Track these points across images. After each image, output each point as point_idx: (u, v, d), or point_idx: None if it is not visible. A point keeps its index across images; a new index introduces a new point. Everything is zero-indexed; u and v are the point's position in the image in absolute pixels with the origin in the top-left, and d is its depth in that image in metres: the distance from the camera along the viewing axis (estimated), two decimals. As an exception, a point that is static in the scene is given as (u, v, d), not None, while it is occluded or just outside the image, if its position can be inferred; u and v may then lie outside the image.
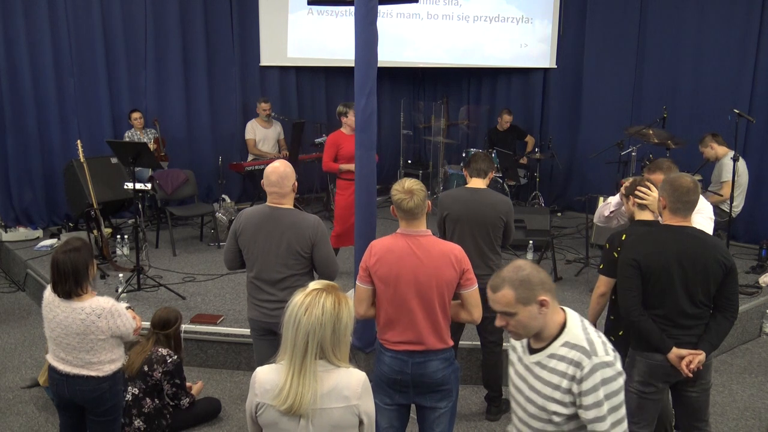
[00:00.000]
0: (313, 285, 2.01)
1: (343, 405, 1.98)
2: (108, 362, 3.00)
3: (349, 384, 1.99)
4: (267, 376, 2.02)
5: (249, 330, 3.61)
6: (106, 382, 3.00)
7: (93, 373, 2.97)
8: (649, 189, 3.22)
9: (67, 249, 2.95)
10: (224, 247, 3.46)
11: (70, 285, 2.91)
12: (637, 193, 3.24)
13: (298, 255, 3.25)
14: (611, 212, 3.66)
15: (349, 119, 5.56)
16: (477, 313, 2.88)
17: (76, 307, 2.92)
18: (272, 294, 3.31)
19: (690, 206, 2.83)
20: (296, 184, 3.35)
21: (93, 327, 2.92)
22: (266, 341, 3.42)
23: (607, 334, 3.31)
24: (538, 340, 2.10)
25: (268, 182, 3.28)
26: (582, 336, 2.03)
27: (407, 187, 2.83)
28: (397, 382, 2.83)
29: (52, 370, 3.05)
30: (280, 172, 3.27)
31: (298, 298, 1.97)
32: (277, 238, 3.24)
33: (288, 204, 3.31)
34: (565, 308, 2.11)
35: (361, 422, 2.04)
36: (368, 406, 2.04)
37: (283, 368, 1.97)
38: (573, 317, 2.09)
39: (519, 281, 2.00)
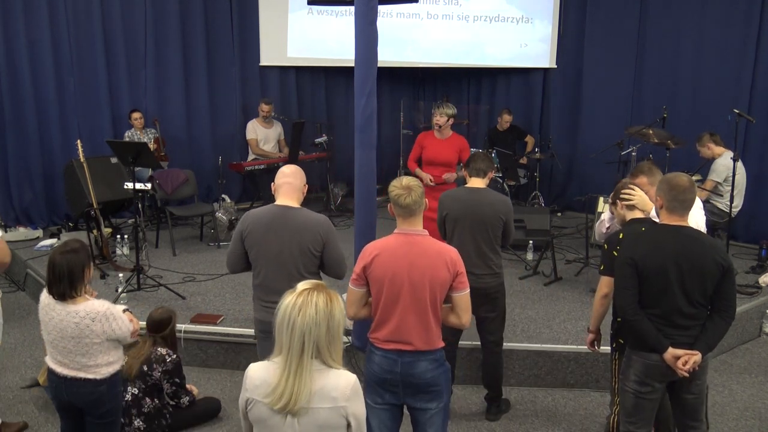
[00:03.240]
0: (303, 285, 2.02)
1: (330, 406, 1.98)
2: (105, 365, 2.97)
3: (338, 385, 1.99)
4: (258, 373, 2.05)
5: (249, 330, 3.60)
6: (103, 385, 2.97)
7: (90, 376, 2.94)
8: (633, 190, 3.35)
9: (65, 250, 2.91)
10: (228, 249, 3.41)
11: (64, 287, 2.88)
12: (622, 195, 3.35)
13: (310, 254, 3.24)
14: (608, 227, 3.78)
15: (434, 119, 5.43)
16: (466, 318, 2.88)
17: (71, 310, 2.89)
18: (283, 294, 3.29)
19: (687, 205, 2.84)
20: (307, 186, 3.41)
21: (87, 331, 2.88)
22: (272, 341, 3.41)
23: (614, 336, 3.32)
24: None
25: (281, 174, 3.34)
26: None
27: (405, 184, 2.84)
28: (387, 381, 2.82)
29: (50, 372, 3.03)
30: (293, 168, 3.39)
31: (290, 299, 1.98)
32: (289, 237, 3.22)
33: (297, 204, 3.32)
34: None
35: (349, 425, 2.04)
36: (357, 408, 2.04)
37: (277, 367, 1.98)
38: None
39: None
